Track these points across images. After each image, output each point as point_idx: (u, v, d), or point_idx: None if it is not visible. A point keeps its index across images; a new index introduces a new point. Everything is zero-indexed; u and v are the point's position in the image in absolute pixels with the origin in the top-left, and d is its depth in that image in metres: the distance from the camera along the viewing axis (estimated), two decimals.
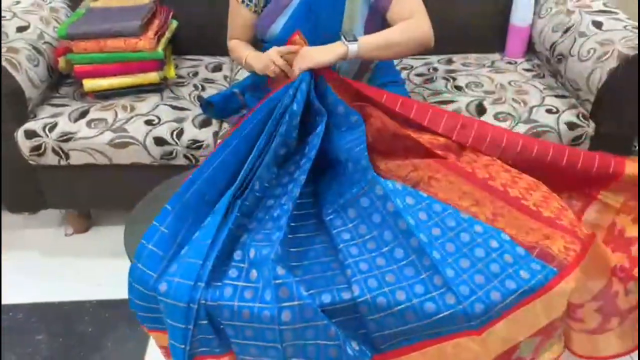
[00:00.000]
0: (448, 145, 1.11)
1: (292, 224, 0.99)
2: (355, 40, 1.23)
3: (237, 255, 0.96)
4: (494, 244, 0.94)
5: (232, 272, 0.94)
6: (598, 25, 1.65)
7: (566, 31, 1.73)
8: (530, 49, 1.94)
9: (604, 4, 1.77)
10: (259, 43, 1.47)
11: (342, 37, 1.23)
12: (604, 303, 0.95)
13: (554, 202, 1.00)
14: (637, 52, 1.49)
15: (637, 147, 1.08)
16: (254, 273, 0.92)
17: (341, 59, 1.21)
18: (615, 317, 0.98)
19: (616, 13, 1.71)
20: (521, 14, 1.88)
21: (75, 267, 1.75)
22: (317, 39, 1.29)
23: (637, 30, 1.57)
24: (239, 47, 1.44)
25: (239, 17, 1.42)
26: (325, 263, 0.96)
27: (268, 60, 1.26)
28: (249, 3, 1.38)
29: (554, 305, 0.90)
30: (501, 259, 0.92)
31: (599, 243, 0.95)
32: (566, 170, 1.03)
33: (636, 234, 0.98)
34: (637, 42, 1.51)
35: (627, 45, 1.52)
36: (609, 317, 0.97)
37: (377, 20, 1.40)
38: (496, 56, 1.96)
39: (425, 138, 1.11)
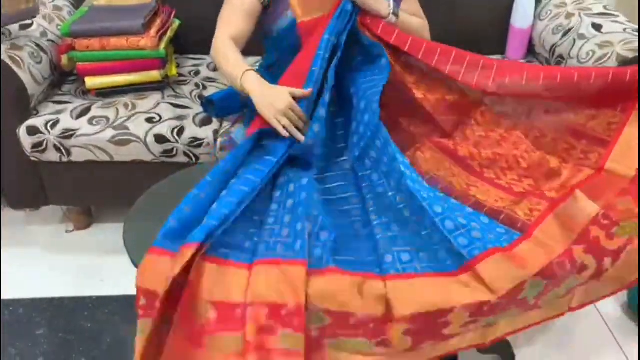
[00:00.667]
0: (455, 104, 1.22)
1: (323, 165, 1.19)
2: (397, 14, 1.30)
3: (276, 194, 1.11)
4: (462, 220, 1.02)
5: (273, 205, 1.10)
6: (598, 27, 1.66)
7: (566, 33, 1.74)
8: (531, 51, 1.95)
9: (604, 7, 1.78)
10: (260, 38, 1.46)
11: (391, 1, 1.30)
12: (587, 246, 0.98)
13: (528, 180, 1.11)
14: (636, 54, 1.49)
15: (638, 149, 1.09)
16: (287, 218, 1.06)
17: (379, 16, 1.28)
18: (607, 257, 0.99)
19: (616, 16, 1.72)
20: (522, 16, 1.89)
21: (76, 263, 1.76)
22: None
23: (636, 33, 1.58)
24: (232, 53, 1.28)
25: (244, 5, 1.34)
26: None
27: (277, 112, 1.14)
28: None
29: (534, 256, 0.97)
30: (469, 225, 1.01)
31: (577, 197, 1.01)
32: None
33: None
34: (636, 44, 1.51)
35: (626, 48, 1.52)
36: (602, 258, 0.99)
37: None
38: (497, 57, 1.97)
39: (431, 99, 1.22)
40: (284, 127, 1.14)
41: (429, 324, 0.94)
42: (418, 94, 1.23)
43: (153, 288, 0.93)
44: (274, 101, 1.15)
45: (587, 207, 0.99)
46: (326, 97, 1.19)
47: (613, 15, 1.72)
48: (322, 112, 1.17)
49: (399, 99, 1.26)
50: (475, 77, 1.18)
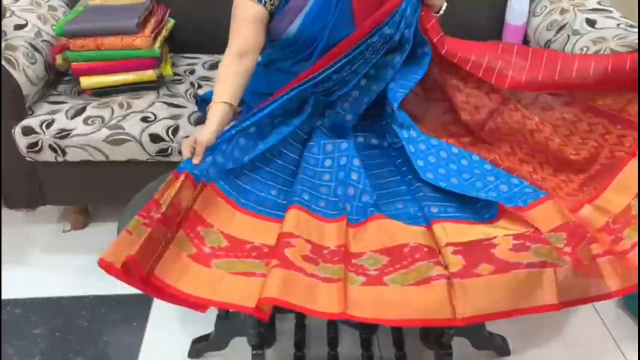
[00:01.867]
0: (482, 104, 1.27)
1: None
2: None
3: (314, 149, 1.19)
4: (490, 178, 1.14)
5: (311, 160, 1.18)
6: (592, 23, 1.66)
7: (560, 29, 1.74)
8: None
9: (598, 2, 1.78)
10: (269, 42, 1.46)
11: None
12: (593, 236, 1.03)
13: (561, 175, 1.20)
14: (629, 50, 1.49)
15: (638, 147, 1.11)
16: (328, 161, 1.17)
17: (433, 8, 1.29)
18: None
19: (610, 11, 1.72)
20: (516, 13, 1.89)
21: (73, 262, 1.77)
22: (333, 37, 1.30)
23: (630, 29, 1.58)
24: (223, 77, 1.25)
25: (250, 14, 1.29)
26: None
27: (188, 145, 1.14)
28: (266, 1, 1.29)
29: (553, 214, 1.04)
30: (496, 189, 1.12)
31: (584, 211, 1.08)
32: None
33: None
34: (630, 40, 1.51)
35: (620, 44, 1.52)
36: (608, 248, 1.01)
37: None
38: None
39: (456, 101, 1.28)
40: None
41: (475, 245, 1.00)
42: (450, 91, 1.30)
43: (160, 201, 1.01)
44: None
45: (595, 220, 1.06)
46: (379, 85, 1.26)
47: (607, 10, 1.72)
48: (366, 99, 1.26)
49: (432, 92, 1.33)
50: (507, 79, 1.22)
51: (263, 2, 1.29)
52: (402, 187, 1.16)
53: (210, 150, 1.11)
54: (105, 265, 0.93)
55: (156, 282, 0.94)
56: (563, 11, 1.78)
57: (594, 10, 1.73)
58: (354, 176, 1.14)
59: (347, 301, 0.92)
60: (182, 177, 1.03)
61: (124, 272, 0.93)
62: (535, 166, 1.23)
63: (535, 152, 1.24)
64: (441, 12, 1.33)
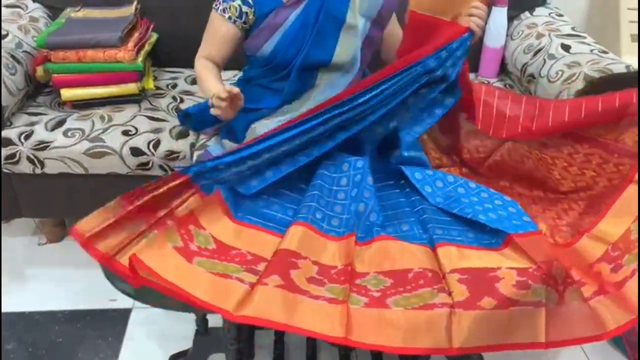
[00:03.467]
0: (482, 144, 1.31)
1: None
2: None
3: (330, 168, 1.17)
4: (498, 202, 1.14)
5: (327, 179, 1.15)
6: (566, 48, 1.71)
7: (536, 53, 1.79)
8: (503, 70, 2.00)
9: (572, 28, 1.84)
10: (242, 58, 1.48)
11: None
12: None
13: (562, 204, 1.21)
14: (601, 74, 1.54)
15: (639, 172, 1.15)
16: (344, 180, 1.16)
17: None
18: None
19: (584, 37, 1.78)
20: (494, 36, 1.94)
21: (48, 276, 1.74)
22: (309, 58, 1.32)
23: (603, 54, 1.63)
24: (208, 75, 1.36)
25: (221, 31, 1.37)
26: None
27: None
28: (236, 20, 1.32)
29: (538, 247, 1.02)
30: (505, 209, 1.11)
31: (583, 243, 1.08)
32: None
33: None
34: (602, 65, 1.56)
35: (592, 68, 1.57)
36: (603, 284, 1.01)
37: (371, 50, 1.45)
38: (470, 76, 2.01)
39: (462, 138, 1.33)
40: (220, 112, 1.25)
41: (480, 275, 0.99)
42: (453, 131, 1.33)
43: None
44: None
45: (593, 250, 1.05)
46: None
47: (581, 36, 1.78)
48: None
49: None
50: (504, 130, 1.24)
51: (233, 20, 1.32)
52: (407, 209, 1.16)
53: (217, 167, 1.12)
54: (76, 234, 0.98)
55: (136, 261, 0.94)
56: (539, 35, 1.84)
57: (569, 35, 1.79)
58: (367, 194, 1.14)
59: (350, 325, 0.92)
60: (183, 178, 1.03)
61: (90, 243, 0.98)
62: (535, 198, 1.25)
63: (532, 186, 1.26)
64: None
